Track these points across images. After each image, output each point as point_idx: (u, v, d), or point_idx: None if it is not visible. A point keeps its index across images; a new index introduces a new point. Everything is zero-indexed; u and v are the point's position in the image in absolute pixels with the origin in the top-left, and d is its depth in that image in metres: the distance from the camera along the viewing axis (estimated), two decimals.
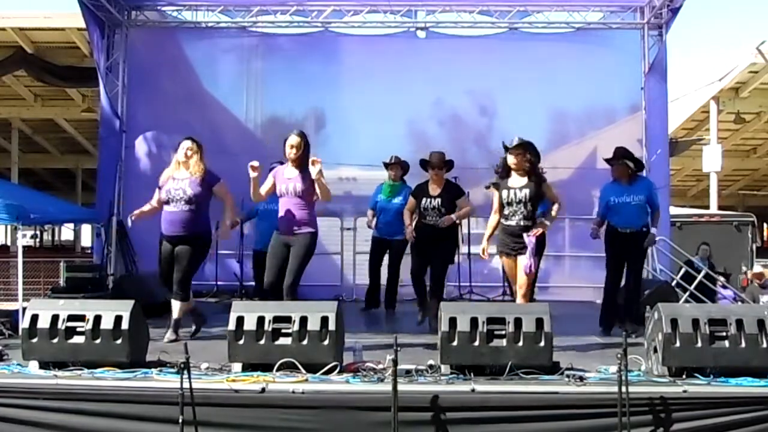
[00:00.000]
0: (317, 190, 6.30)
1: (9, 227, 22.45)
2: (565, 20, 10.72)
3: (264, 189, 6.51)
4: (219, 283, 10.01)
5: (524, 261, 6.07)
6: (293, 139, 6.35)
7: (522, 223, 6.19)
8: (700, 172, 18.44)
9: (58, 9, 17.80)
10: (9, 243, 24.14)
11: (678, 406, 4.75)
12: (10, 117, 18.16)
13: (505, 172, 6.35)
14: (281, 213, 6.41)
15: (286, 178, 6.39)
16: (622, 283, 7.37)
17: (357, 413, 4.75)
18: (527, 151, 6.23)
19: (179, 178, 6.62)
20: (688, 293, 9.12)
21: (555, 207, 6.38)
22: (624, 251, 7.20)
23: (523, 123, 10.44)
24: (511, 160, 6.25)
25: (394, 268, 8.68)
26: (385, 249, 8.73)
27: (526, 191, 6.18)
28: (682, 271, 9.81)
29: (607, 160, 7.41)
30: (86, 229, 23.29)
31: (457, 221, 7.68)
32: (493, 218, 6.46)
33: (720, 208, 16.84)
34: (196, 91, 10.77)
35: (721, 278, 11.25)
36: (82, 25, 10.51)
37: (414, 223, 7.69)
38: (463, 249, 9.47)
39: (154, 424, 4.77)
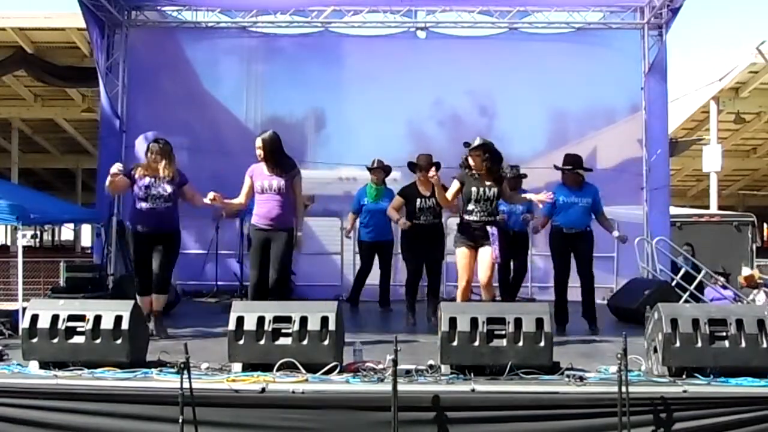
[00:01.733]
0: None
1: (9, 227, 22.44)
2: (565, 20, 10.74)
3: (244, 192, 6.61)
4: (219, 283, 10.01)
5: (489, 250, 6.36)
6: (257, 142, 6.52)
7: (485, 218, 6.45)
8: (700, 172, 18.41)
9: (58, 9, 17.86)
10: (9, 243, 24.12)
11: (678, 406, 4.75)
12: (10, 117, 18.14)
13: (467, 170, 6.54)
14: (264, 209, 6.49)
15: (267, 175, 6.51)
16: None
17: (357, 413, 4.76)
18: (486, 151, 6.43)
19: (156, 177, 6.73)
20: (688, 293, 9.09)
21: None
22: (570, 251, 7.37)
23: (523, 123, 10.48)
24: (471, 160, 6.47)
25: (387, 268, 8.85)
26: (375, 252, 8.85)
27: (494, 191, 6.47)
28: (682, 271, 9.77)
29: (558, 168, 7.56)
30: (86, 229, 23.25)
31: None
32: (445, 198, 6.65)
33: (720, 208, 16.80)
34: (196, 91, 10.78)
35: (721, 278, 11.20)
36: (82, 25, 10.51)
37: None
38: None
39: (154, 424, 4.77)
